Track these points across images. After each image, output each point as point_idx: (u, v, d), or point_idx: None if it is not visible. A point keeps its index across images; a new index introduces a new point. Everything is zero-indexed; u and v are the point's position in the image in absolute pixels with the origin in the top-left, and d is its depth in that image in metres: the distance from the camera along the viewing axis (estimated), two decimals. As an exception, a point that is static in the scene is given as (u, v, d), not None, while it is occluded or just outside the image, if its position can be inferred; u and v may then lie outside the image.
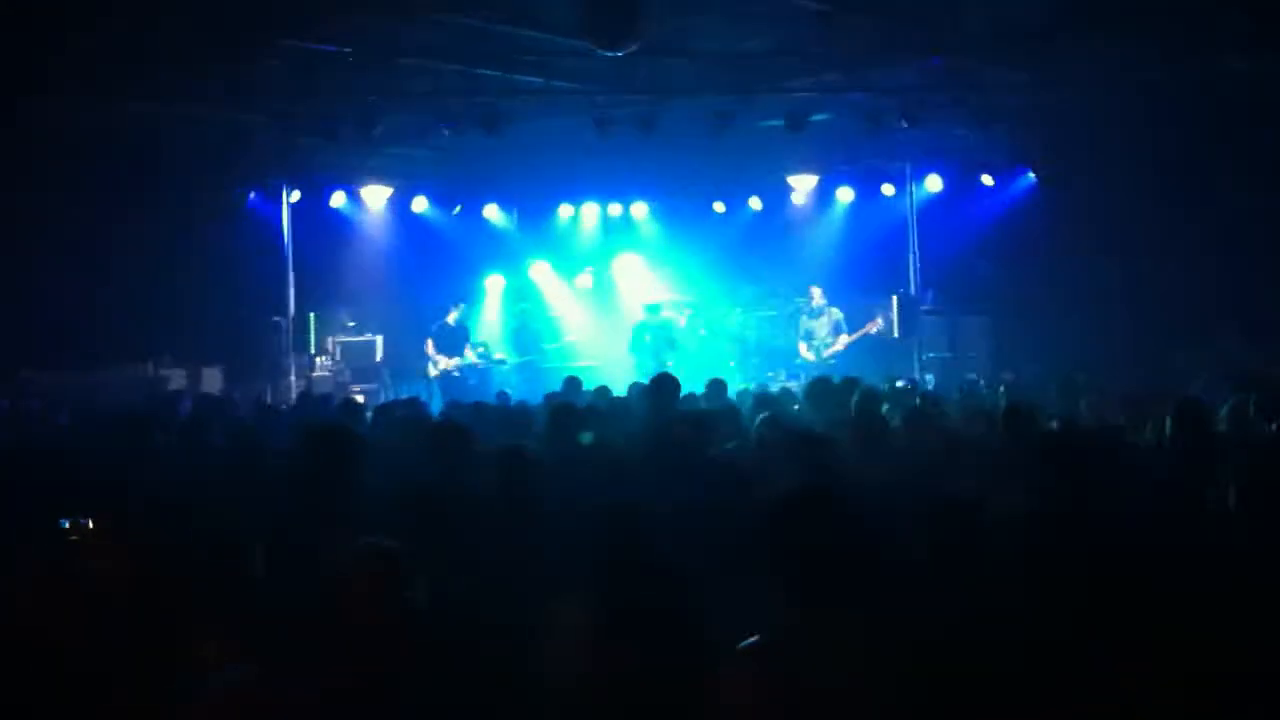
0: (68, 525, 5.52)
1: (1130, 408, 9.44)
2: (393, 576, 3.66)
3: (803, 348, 18.51)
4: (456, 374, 18.27)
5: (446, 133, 15.48)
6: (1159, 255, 15.99)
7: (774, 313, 20.14)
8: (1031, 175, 18.44)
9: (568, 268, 21.34)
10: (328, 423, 8.31)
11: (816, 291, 18.53)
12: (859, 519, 3.42)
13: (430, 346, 18.49)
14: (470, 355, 18.72)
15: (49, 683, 3.52)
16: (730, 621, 3.40)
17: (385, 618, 3.61)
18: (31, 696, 3.47)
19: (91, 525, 5.36)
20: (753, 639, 3.25)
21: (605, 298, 21.22)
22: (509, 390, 15.39)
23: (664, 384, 9.55)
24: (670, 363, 17.66)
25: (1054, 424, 8.47)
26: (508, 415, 10.14)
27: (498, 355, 19.36)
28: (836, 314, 18.37)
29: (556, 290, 21.27)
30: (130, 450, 8.11)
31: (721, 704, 3.21)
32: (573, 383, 12.43)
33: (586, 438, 6.19)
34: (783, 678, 3.14)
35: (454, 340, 18.64)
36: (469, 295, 19.81)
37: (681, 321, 19.57)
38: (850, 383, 10.62)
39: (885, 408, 9.41)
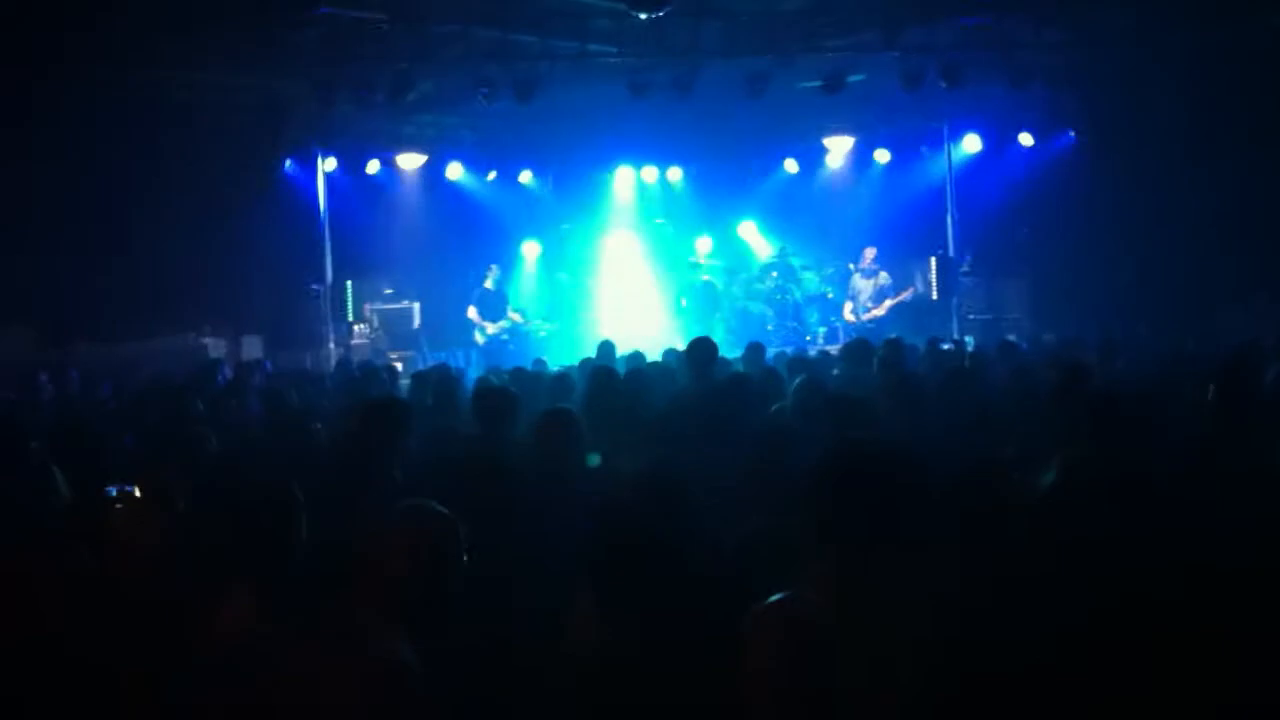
0: (115, 493, 5.57)
1: (1170, 368, 9.37)
2: (437, 538, 3.65)
3: (847, 307, 18.51)
4: (506, 337, 18.36)
5: (483, 98, 15.43)
6: (1197, 216, 15.80)
7: (813, 275, 20.06)
8: (1070, 135, 18.27)
9: (603, 233, 21.29)
10: (379, 393, 8.35)
11: (869, 252, 18.55)
12: (904, 474, 3.40)
13: (474, 313, 18.56)
14: (515, 317, 18.80)
15: (77, 659, 3.54)
16: (773, 586, 3.40)
17: (425, 580, 3.60)
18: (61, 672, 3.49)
19: (138, 492, 5.41)
20: (780, 595, 3.23)
21: (641, 263, 21.14)
22: (544, 356, 15.40)
23: (703, 347, 9.47)
24: (712, 321, 17.71)
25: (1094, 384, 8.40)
26: (548, 380, 10.13)
27: (537, 325, 19.41)
28: (885, 279, 18.39)
29: (592, 255, 21.23)
30: (170, 419, 8.17)
31: (751, 656, 3.20)
32: (607, 347, 12.41)
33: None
34: (816, 633, 3.13)
35: (496, 305, 18.72)
36: (504, 261, 19.81)
37: (718, 284, 19.54)
38: (891, 344, 10.55)
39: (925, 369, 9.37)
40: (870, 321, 17.97)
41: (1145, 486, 3.72)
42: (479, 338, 18.48)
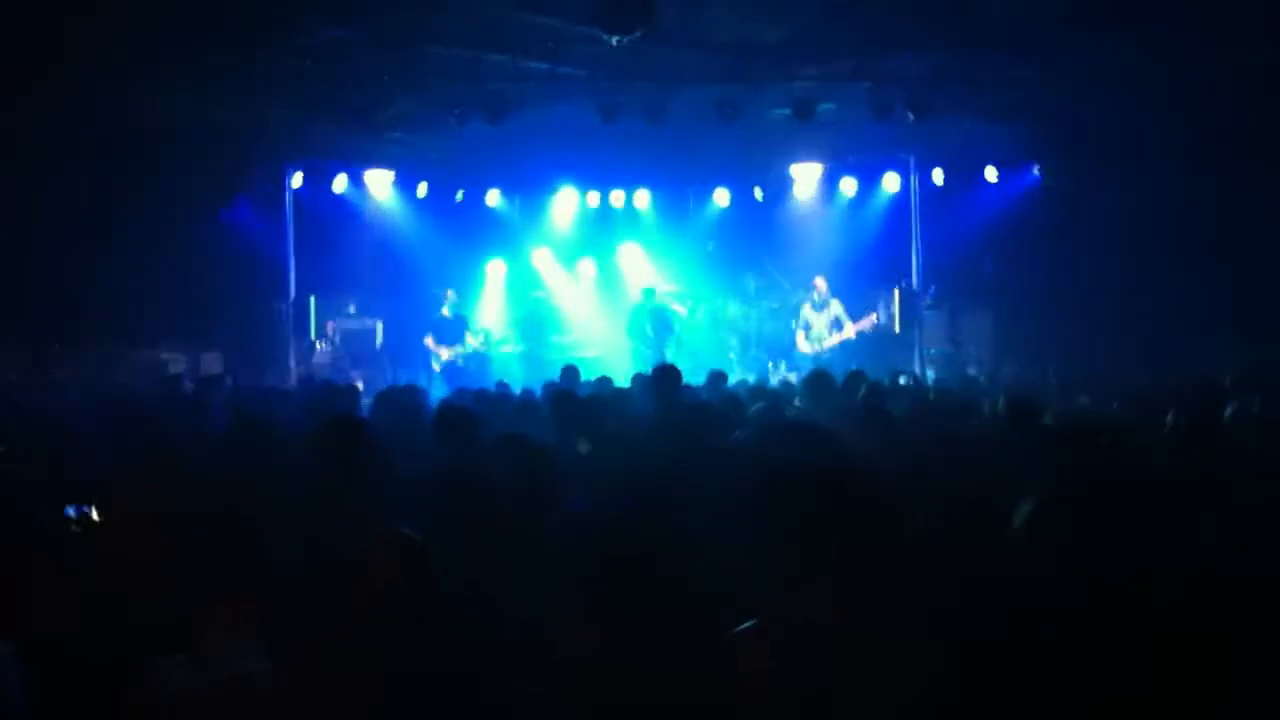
0: (73, 514, 5.49)
1: (1131, 402, 9.44)
2: (416, 566, 3.65)
3: (800, 337, 18.48)
4: (460, 363, 18.30)
5: (454, 118, 15.42)
6: (1162, 253, 15.96)
7: (775, 304, 20.10)
8: (1035, 170, 18.43)
9: (569, 255, 21.30)
10: (339, 413, 8.30)
11: (821, 282, 18.45)
12: (865, 493, 3.45)
13: (430, 342, 18.52)
14: (471, 341, 18.73)
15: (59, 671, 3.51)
16: (745, 607, 3.42)
17: (404, 606, 3.60)
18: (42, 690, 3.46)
19: (95, 515, 5.33)
20: (767, 612, 3.27)
21: (607, 287, 21.18)
22: (508, 379, 15.35)
23: (668, 374, 9.58)
24: (669, 350, 17.71)
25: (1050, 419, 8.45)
26: (511, 403, 10.13)
27: (505, 348, 19.36)
28: (838, 308, 18.30)
29: (557, 277, 21.24)
30: (141, 435, 8.09)
31: (738, 674, 3.22)
32: (571, 371, 12.39)
33: (584, 447, 6.14)
34: (799, 648, 3.16)
35: (453, 330, 18.67)
36: (467, 281, 19.77)
37: (682, 311, 19.59)
38: (855, 376, 10.60)
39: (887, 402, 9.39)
40: (828, 351, 17.94)
41: (1113, 521, 3.75)
42: (435, 365, 18.43)
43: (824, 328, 18.26)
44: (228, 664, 3.40)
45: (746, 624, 3.27)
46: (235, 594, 3.64)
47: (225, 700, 3.34)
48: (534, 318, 20.13)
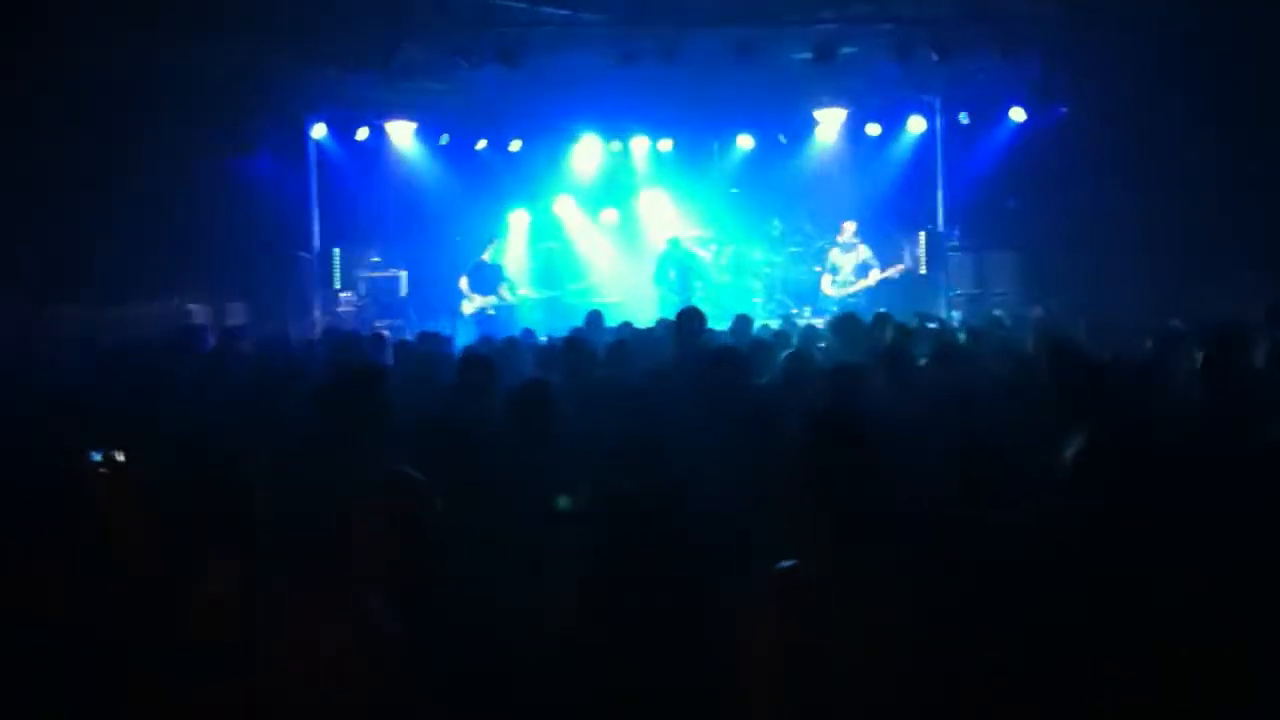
0: (100, 459, 5.48)
1: (1159, 341, 9.32)
2: (416, 507, 3.62)
3: (826, 281, 18.41)
4: (491, 312, 18.24)
5: (465, 66, 15.30)
6: (1187, 191, 15.76)
7: (800, 248, 19.97)
8: (1062, 109, 18.19)
9: (591, 203, 21.21)
10: (356, 360, 8.30)
11: (849, 226, 18.39)
12: (888, 446, 3.38)
13: (464, 283, 18.46)
14: (505, 294, 18.66)
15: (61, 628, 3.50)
16: (764, 558, 3.37)
17: (405, 547, 3.58)
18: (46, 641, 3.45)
19: (121, 457, 5.32)
20: (781, 564, 3.21)
21: (629, 234, 21.09)
22: (534, 327, 15.32)
23: (690, 318, 9.50)
24: (694, 297, 17.63)
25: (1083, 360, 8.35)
26: (534, 350, 10.12)
27: (521, 291, 19.30)
28: (865, 252, 18.22)
29: (580, 225, 21.14)
30: (152, 384, 8.09)
31: (747, 631, 3.18)
32: (595, 317, 12.34)
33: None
34: (810, 605, 3.11)
35: (489, 279, 18.60)
36: (491, 230, 19.71)
37: (707, 256, 19.48)
38: (881, 318, 10.52)
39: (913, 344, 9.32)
40: (851, 296, 17.86)
41: (1149, 463, 3.66)
42: (466, 307, 18.37)
43: (850, 272, 18.17)
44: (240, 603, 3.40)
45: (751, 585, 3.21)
46: (234, 544, 3.62)
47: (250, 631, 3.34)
48: (550, 266, 20.10)
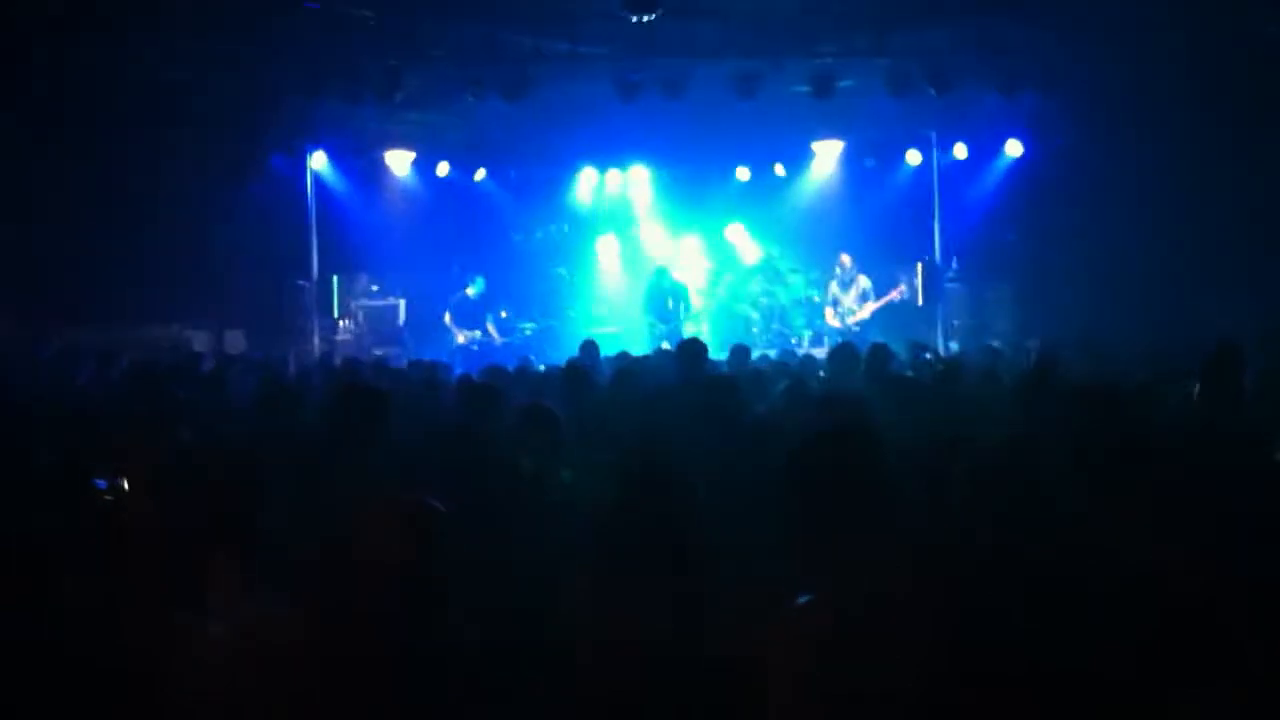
0: (105, 485, 5.49)
1: (1155, 367, 9.37)
2: (423, 529, 3.65)
3: (829, 313, 18.53)
4: (475, 348, 18.27)
5: (470, 98, 15.41)
6: (1186, 223, 15.82)
7: (797, 279, 20.04)
8: (1058, 141, 18.28)
9: (590, 232, 21.28)
10: (358, 382, 8.34)
11: (846, 258, 18.54)
12: (886, 459, 3.42)
13: (448, 318, 18.53)
14: (491, 330, 18.69)
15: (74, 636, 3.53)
16: (768, 584, 3.40)
17: (410, 569, 3.60)
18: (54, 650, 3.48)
19: (126, 485, 5.35)
20: (801, 599, 3.23)
21: (627, 264, 21.15)
22: (531, 356, 15.34)
23: (693, 348, 9.62)
24: (682, 326, 17.73)
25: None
26: (532, 379, 10.15)
27: (524, 326, 19.32)
28: (865, 282, 18.37)
29: (579, 254, 21.22)
30: (153, 405, 8.11)
31: (771, 660, 3.20)
32: (590, 346, 12.35)
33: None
34: (830, 629, 3.13)
35: (472, 313, 18.66)
36: (490, 260, 19.75)
37: (689, 285, 19.51)
38: (879, 349, 10.57)
39: (910, 375, 9.39)
40: (856, 325, 17.98)
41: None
42: (460, 337, 18.47)
43: (852, 302, 18.29)
44: (244, 611, 3.42)
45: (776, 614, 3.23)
46: (240, 547, 3.66)
47: (251, 637, 3.36)
48: (554, 294, 20.15)
